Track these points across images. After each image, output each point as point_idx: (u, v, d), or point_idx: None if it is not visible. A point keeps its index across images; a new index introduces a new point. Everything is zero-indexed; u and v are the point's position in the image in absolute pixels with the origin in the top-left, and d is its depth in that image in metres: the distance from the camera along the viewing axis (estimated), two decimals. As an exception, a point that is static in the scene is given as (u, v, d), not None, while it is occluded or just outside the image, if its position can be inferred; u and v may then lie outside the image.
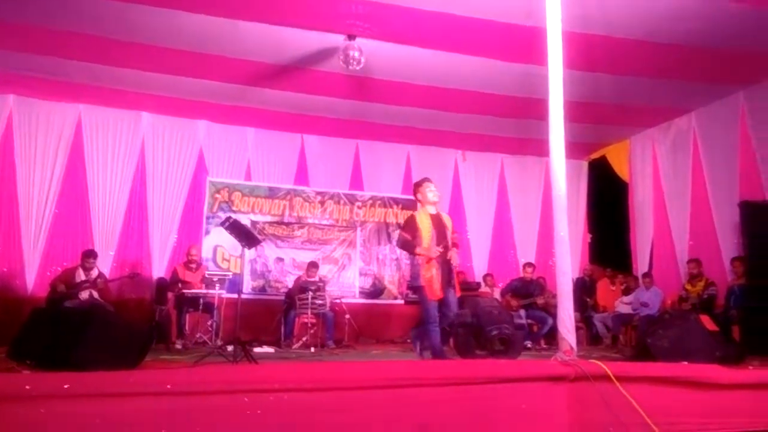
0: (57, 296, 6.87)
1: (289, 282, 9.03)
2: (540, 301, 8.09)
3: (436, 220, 5.09)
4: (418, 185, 5.30)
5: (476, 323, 5.47)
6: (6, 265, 8.15)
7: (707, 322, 4.84)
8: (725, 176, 7.89)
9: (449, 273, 5.00)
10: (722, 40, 6.21)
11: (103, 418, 2.29)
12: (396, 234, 8.70)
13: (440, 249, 4.91)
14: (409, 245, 5.05)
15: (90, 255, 7.30)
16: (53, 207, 8.43)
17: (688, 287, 7.77)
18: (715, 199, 8.08)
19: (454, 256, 4.98)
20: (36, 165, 8.36)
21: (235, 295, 6.06)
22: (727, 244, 7.78)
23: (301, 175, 9.87)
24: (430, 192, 5.16)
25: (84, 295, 6.97)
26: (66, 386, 2.28)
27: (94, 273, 7.22)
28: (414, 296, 8.19)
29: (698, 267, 7.76)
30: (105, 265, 8.19)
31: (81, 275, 7.14)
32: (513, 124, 8.79)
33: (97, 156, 8.71)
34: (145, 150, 9.00)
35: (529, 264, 8.89)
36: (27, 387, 2.24)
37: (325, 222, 9.78)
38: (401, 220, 9.98)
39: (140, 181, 8.97)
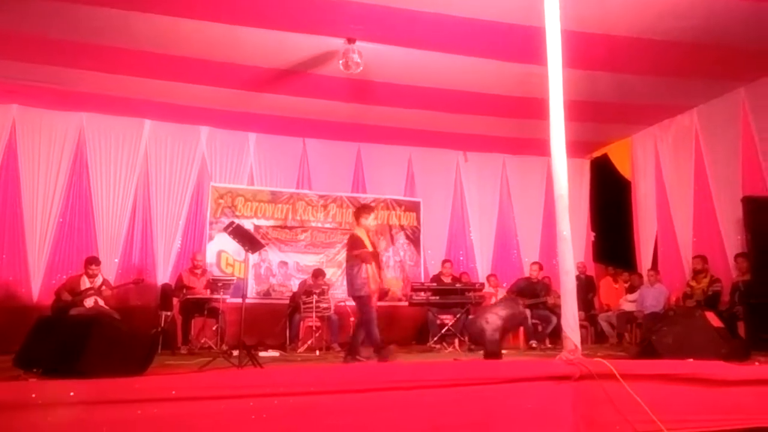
0: (62, 304, 6.88)
1: (294, 286, 9.03)
2: (550, 301, 8.09)
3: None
4: (365, 212, 6.02)
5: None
6: (11, 273, 8.18)
7: (712, 319, 4.83)
8: (728, 172, 7.87)
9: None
10: (722, 36, 6.20)
11: (110, 425, 2.30)
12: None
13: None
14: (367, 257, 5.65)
15: (93, 262, 7.30)
16: (57, 215, 8.45)
17: (693, 284, 7.75)
18: (717, 195, 8.06)
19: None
20: (40, 174, 8.38)
21: (240, 300, 6.07)
22: (731, 240, 7.76)
23: (304, 178, 9.89)
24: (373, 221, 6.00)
25: (89, 302, 6.98)
26: (72, 393, 2.29)
27: (99, 280, 7.23)
28: (418, 299, 8.23)
29: (703, 263, 7.72)
30: (110, 273, 8.21)
31: (86, 283, 7.15)
32: (514, 124, 8.78)
33: (101, 164, 8.74)
34: (148, 157, 9.03)
35: (535, 263, 8.90)
36: (33, 395, 2.25)
37: (328, 225, 9.78)
38: (404, 222, 10.02)
39: (143, 187, 9.00)
